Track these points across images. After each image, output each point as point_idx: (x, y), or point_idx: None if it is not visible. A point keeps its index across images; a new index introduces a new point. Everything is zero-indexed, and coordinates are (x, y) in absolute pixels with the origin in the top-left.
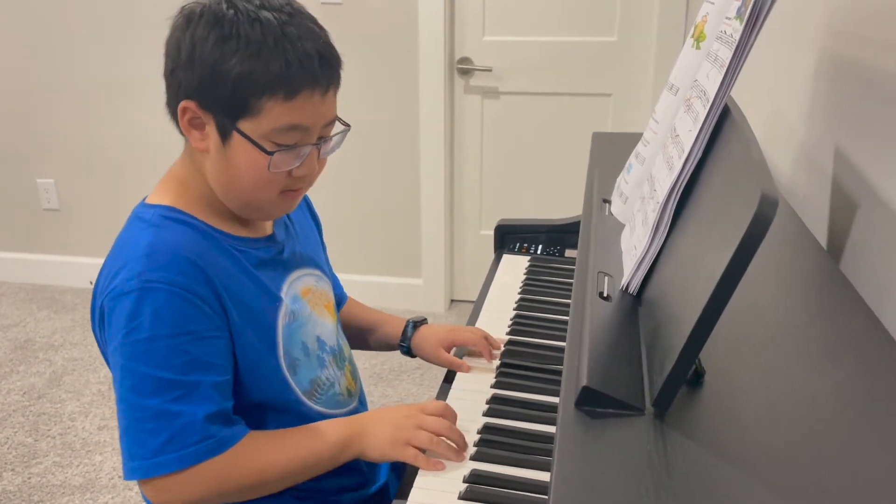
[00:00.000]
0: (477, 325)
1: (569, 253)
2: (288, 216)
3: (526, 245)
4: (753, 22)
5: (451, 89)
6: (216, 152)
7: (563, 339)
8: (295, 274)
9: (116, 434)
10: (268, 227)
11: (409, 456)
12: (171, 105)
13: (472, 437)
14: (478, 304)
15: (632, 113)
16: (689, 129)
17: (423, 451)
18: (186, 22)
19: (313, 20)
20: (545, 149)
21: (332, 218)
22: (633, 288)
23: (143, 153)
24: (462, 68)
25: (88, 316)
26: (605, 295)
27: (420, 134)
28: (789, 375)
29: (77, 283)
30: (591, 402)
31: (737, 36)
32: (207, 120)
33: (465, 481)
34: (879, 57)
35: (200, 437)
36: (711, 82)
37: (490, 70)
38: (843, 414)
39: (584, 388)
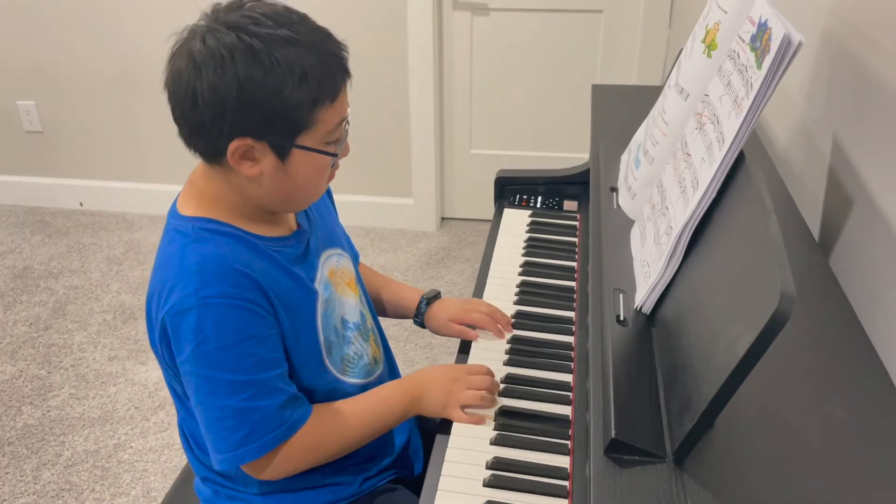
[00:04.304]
0: (485, 293)
1: (567, 205)
2: None
3: (525, 197)
4: (773, 74)
5: (439, 5)
6: (273, 172)
7: (569, 308)
8: (321, 259)
9: (127, 365)
10: (293, 222)
11: (456, 416)
12: (212, 148)
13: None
14: (483, 268)
15: (623, 30)
16: (702, 158)
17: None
18: (219, 63)
19: (307, 17)
20: (535, 66)
21: None
22: (647, 309)
23: (124, 75)
24: None
25: (83, 241)
26: (621, 318)
27: (408, 51)
28: (791, 413)
29: (66, 204)
30: (619, 450)
31: (752, 78)
32: (261, 147)
33: (487, 468)
34: (881, 63)
35: (276, 424)
36: (726, 113)
37: None
38: (849, 458)
39: (613, 441)
